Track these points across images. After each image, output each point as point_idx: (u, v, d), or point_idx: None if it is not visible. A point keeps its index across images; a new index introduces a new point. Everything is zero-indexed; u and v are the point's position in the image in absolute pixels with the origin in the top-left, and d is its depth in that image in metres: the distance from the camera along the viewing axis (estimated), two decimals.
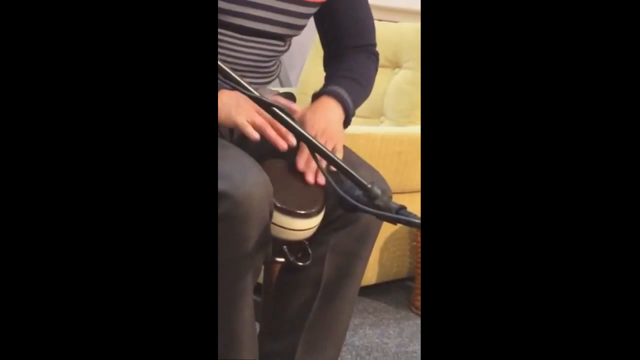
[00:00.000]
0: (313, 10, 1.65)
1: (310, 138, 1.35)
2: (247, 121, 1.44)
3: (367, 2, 1.74)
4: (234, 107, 1.46)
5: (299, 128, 1.35)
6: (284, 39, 1.67)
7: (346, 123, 1.59)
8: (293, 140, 1.45)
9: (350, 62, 1.70)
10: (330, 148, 1.46)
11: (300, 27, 1.67)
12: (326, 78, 1.71)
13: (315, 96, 1.60)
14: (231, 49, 1.58)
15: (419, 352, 2.12)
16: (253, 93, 1.32)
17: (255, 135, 1.43)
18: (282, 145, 1.44)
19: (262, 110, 1.43)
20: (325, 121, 1.54)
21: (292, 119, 1.36)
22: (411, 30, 2.67)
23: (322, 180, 1.44)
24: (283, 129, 1.44)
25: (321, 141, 1.44)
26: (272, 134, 1.44)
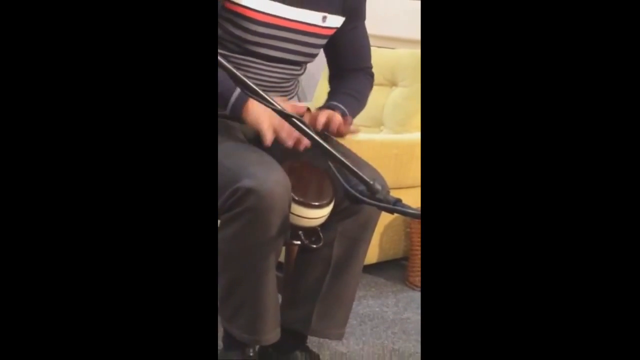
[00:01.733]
0: (324, 41, 1.66)
1: (322, 142, 1.35)
2: (268, 126, 1.45)
3: (365, 32, 1.74)
4: (260, 116, 1.47)
5: (312, 134, 1.34)
6: (300, 64, 1.68)
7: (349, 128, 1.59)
8: (306, 142, 1.46)
9: (350, 81, 1.72)
10: (335, 128, 1.50)
11: (314, 55, 1.68)
12: (329, 93, 1.72)
13: (321, 108, 1.61)
14: (259, 73, 1.59)
15: (412, 318, 2.12)
16: (277, 106, 1.32)
17: (268, 143, 1.45)
18: (289, 143, 1.45)
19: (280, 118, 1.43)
20: (328, 115, 1.53)
21: (307, 126, 1.36)
22: (406, 55, 2.68)
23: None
24: (294, 131, 1.44)
25: (330, 124, 1.50)
26: (283, 135, 1.45)
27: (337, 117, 1.54)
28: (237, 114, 1.48)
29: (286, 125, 1.43)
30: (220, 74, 1.46)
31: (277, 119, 1.45)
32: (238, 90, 1.47)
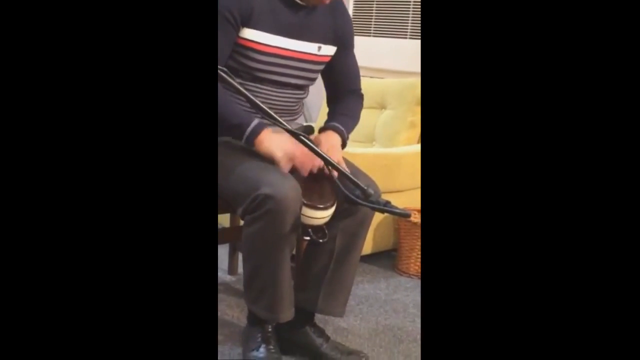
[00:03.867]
0: (320, 67, 1.65)
1: (326, 156, 1.37)
2: (282, 155, 1.44)
3: (354, 59, 1.73)
4: (272, 146, 1.46)
5: (317, 149, 1.36)
6: (304, 88, 1.67)
7: (343, 145, 1.59)
8: (315, 168, 1.46)
9: (344, 103, 1.70)
10: (335, 160, 1.46)
11: (314, 79, 1.67)
12: (328, 114, 1.70)
13: (323, 128, 1.60)
14: (269, 97, 1.58)
15: (400, 299, 2.11)
16: (286, 126, 1.34)
17: (285, 171, 1.43)
18: (304, 172, 1.46)
19: (293, 142, 1.42)
20: (331, 144, 1.53)
21: (313, 142, 1.38)
22: (392, 83, 2.66)
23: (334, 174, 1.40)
24: (306, 159, 1.46)
25: (330, 156, 1.45)
26: (297, 162, 1.45)
27: (335, 143, 1.53)
28: (250, 145, 1.46)
29: (298, 154, 1.43)
30: (236, 107, 1.46)
31: (290, 149, 1.44)
32: (253, 124, 1.45)
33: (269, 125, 1.46)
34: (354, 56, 1.71)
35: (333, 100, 1.73)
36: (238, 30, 1.49)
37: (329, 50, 1.63)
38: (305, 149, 1.39)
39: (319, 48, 1.61)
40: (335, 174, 1.36)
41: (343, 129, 1.59)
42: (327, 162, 1.37)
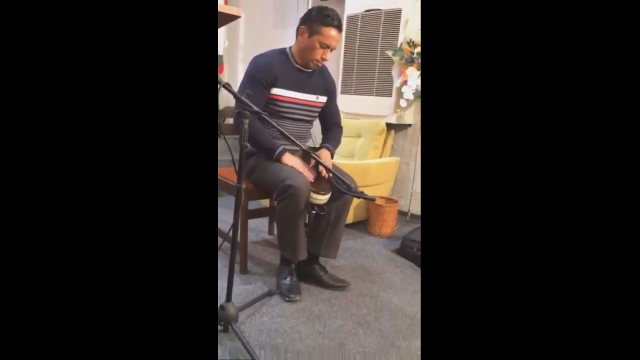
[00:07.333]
0: (319, 109, 1.66)
1: (325, 165, 1.36)
2: (299, 169, 1.46)
3: (337, 104, 1.73)
4: (293, 163, 1.48)
5: (320, 161, 1.35)
6: (310, 122, 1.67)
7: (331, 156, 1.61)
8: (312, 177, 1.48)
9: (331, 132, 1.70)
10: (328, 164, 1.50)
11: (316, 117, 1.68)
12: (322, 138, 1.71)
13: (321, 147, 1.62)
14: (290, 128, 1.58)
15: (369, 249, 2.09)
16: (302, 146, 1.32)
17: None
18: (310, 179, 1.47)
19: (302, 162, 1.46)
20: (325, 156, 1.55)
21: (317, 156, 1.38)
22: (364, 122, 2.62)
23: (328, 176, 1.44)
24: (308, 172, 1.47)
25: (325, 162, 1.46)
26: (307, 174, 1.47)
27: (328, 156, 1.57)
28: (277, 161, 1.50)
29: (305, 169, 1.46)
30: (269, 137, 1.49)
31: (300, 166, 1.47)
32: (279, 149, 1.49)
33: (289, 148, 1.50)
34: (336, 103, 1.74)
35: (325, 130, 1.75)
36: (269, 90, 1.53)
37: (323, 99, 1.65)
38: (309, 165, 1.44)
39: (317, 97, 1.62)
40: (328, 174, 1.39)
41: (331, 147, 1.63)
42: (326, 168, 1.39)
